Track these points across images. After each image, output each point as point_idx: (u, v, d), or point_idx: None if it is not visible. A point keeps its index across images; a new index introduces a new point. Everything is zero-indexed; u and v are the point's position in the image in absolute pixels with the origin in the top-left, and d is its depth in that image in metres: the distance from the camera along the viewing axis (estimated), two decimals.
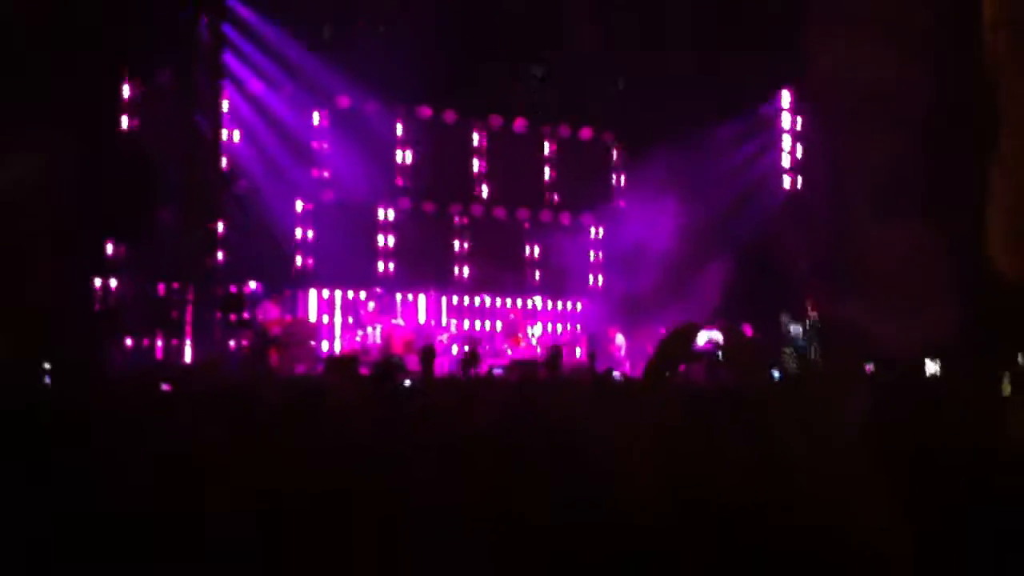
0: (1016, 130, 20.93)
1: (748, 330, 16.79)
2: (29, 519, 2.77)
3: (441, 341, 17.79)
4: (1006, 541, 2.59)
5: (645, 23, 17.98)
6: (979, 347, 16.47)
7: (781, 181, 20.22)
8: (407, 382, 12.08)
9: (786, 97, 20.21)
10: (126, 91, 15.26)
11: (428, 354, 13.48)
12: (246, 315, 15.00)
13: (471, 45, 17.84)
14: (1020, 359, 15.02)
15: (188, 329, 14.62)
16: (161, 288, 14.92)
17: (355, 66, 17.07)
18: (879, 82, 18.61)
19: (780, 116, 20.26)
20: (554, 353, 16.24)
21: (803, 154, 20.22)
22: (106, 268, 14.57)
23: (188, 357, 14.47)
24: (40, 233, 11.75)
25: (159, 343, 14.44)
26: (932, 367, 16.62)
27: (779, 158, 20.26)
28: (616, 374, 16.74)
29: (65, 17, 12.42)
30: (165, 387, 7.95)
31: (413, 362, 15.96)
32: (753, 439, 3.04)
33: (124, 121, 15.14)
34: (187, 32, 15.37)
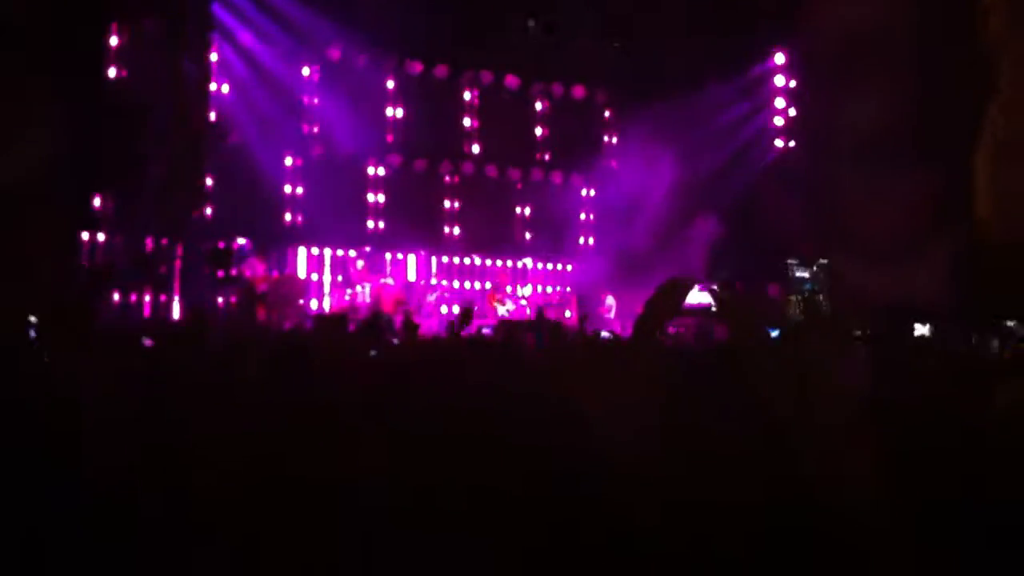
0: (1009, 81, 20.87)
1: (740, 288, 16.81)
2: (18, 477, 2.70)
3: (429, 301, 17.72)
4: (999, 506, 2.54)
5: None
6: (968, 307, 16.53)
7: (772, 141, 20.13)
8: (395, 341, 12.03)
9: (780, 57, 20.06)
10: (113, 41, 15.03)
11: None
12: (234, 271, 14.87)
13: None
14: (1009, 323, 15.06)
15: (176, 285, 14.50)
16: (149, 243, 14.76)
17: (347, 18, 16.80)
18: (870, 33, 18.51)
19: (773, 76, 20.12)
20: (539, 315, 16.21)
21: (796, 113, 20.12)
22: (93, 222, 14.43)
23: (176, 313, 14.36)
24: (26, 185, 11.60)
25: (147, 299, 14.32)
26: (922, 329, 16.65)
27: (771, 118, 20.16)
28: (605, 334, 16.73)
29: None
30: (147, 342, 7.85)
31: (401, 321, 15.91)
32: (744, 398, 2.98)
33: (112, 71, 14.92)
34: None
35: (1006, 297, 16.71)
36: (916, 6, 18.84)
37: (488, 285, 18.43)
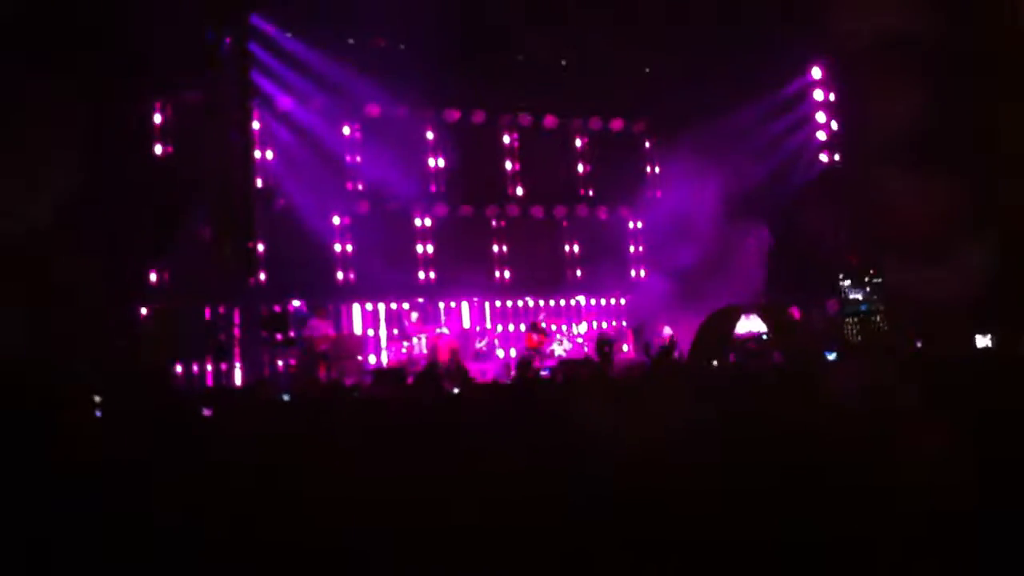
0: None
1: (796, 313, 16.62)
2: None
3: (481, 348, 17.72)
4: None
5: (669, 5, 17.69)
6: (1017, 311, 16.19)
7: (816, 156, 19.98)
8: (455, 390, 12.03)
9: (817, 71, 19.96)
10: (157, 118, 15.33)
11: (604, 344, 13.60)
12: (292, 333, 14.99)
13: (493, 43, 17.64)
14: None
15: (236, 351, 14.64)
16: (207, 312, 14.94)
17: (382, 73, 16.99)
18: (905, 37, 18.35)
19: (812, 91, 20.01)
20: (602, 345, 16.13)
21: (838, 127, 19.98)
22: (152, 294, 14.64)
23: (238, 380, 14.49)
24: (83, 264, 11.80)
25: (209, 367, 14.46)
26: (983, 341, 16.37)
27: (813, 133, 20.03)
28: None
29: (91, 43, 12.47)
30: (206, 412, 7.92)
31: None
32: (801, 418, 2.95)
33: (158, 148, 15.20)
34: (213, 53, 15.36)
35: None
36: (951, 8, 18.70)
37: (523, 327, 18.27)
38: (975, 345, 16.16)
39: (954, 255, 18.67)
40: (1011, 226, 19.26)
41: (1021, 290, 17.09)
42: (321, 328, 15.34)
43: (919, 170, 18.69)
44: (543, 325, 17.82)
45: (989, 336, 16.45)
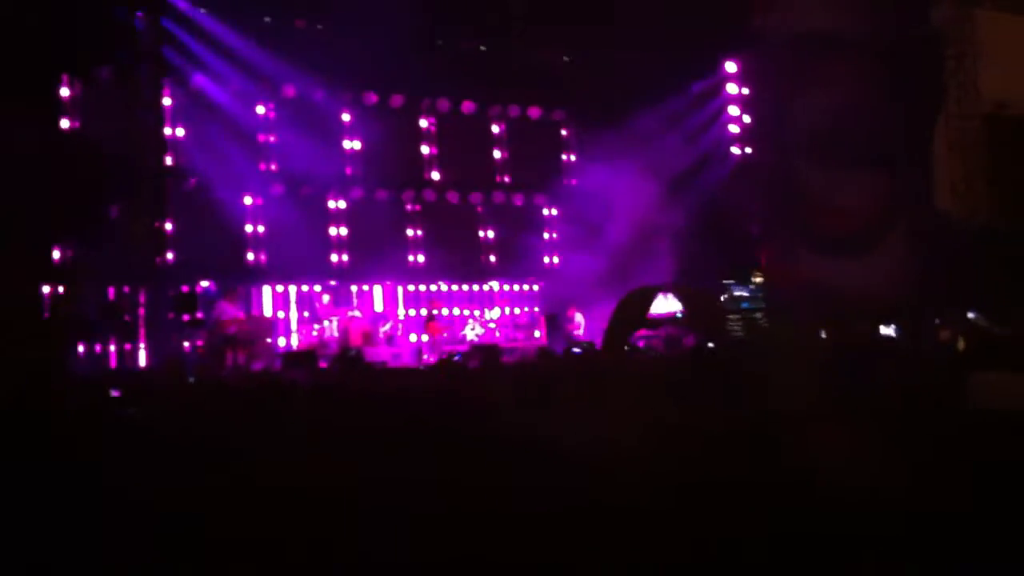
0: (961, 83, 21.21)
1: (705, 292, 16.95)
2: None
3: (386, 332, 17.70)
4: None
5: None
6: (930, 301, 16.72)
7: (730, 149, 20.34)
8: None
9: (731, 66, 20.29)
10: (65, 92, 14.98)
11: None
12: (200, 315, 14.80)
13: (415, 27, 17.55)
14: (970, 315, 15.23)
15: (142, 332, 14.40)
16: (112, 292, 14.67)
17: (299, 54, 16.81)
18: (826, 37, 18.75)
19: (726, 85, 20.34)
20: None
21: (751, 120, 20.34)
22: (55, 273, 14.32)
23: (143, 361, 14.27)
24: None
25: (112, 348, 14.21)
26: (887, 330, 16.84)
27: (726, 127, 20.38)
28: (576, 350, 16.81)
29: None
30: (115, 392, 7.85)
31: (373, 353, 15.90)
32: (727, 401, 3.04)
33: (65, 122, 14.86)
34: (125, 28, 15.06)
35: (966, 287, 16.94)
36: (868, 5, 19.14)
37: (423, 312, 18.29)
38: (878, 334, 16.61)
39: (867, 247, 19.19)
40: (920, 219, 19.89)
41: (932, 282, 17.66)
42: (230, 311, 15.17)
43: (831, 163, 19.16)
44: (436, 312, 17.84)
45: (893, 327, 16.92)
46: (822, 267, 18.86)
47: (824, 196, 19.26)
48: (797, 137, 19.34)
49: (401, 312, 18.52)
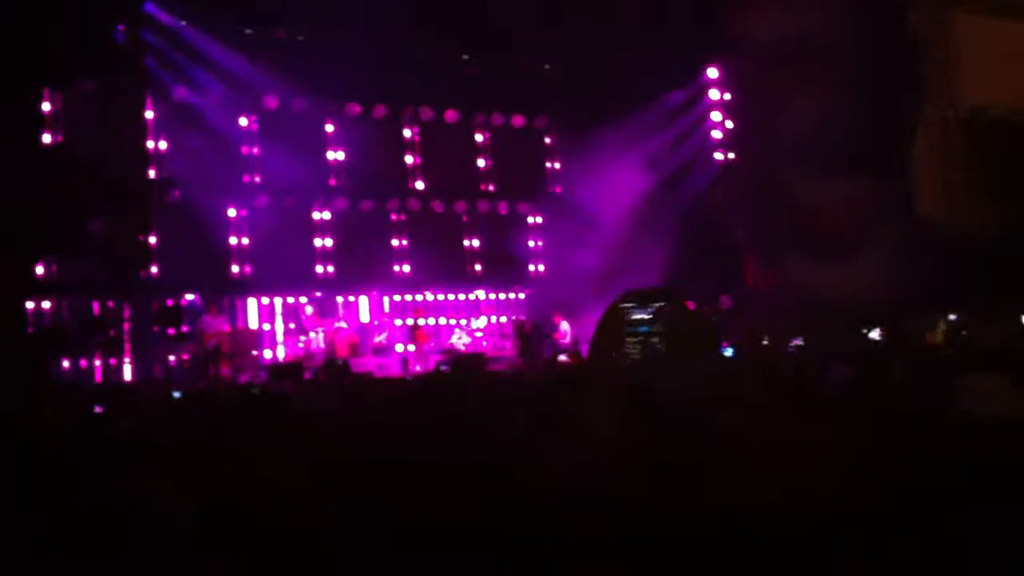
0: (940, 87, 21.34)
1: (691, 306, 16.98)
2: None
3: (381, 342, 17.69)
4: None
5: (570, 5, 17.87)
6: (914, 306, 16.83)
7: (713, 155, 20.43)
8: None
9: (713, 72, 20.38)
10: (46, 106, 14.94)
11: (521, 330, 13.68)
12: (185, 328, 14.74)
13: (396, 37, 17.56)
14: (952, 316, 15.31)
15: (127, 346, 14.34)
16: (96, 306, 14.60)
17: (281, 65, 16.81)
18: (805, 43, 18.87)
19: (708, 91, 20.43)
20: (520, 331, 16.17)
21: (734, 126, 20.44)
22: (39, 288, 14.26)
23: (128, 375, 14.20)
24: None
25: (97, 363, 14.13)
26: (873, 334, 16.92)
27: (710, 133, 20.47)
28: (562, 357, 16.83)
29: None
30: (98, 409, 7.80)
31: (359, 364, 15.88)
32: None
33: (47, 136, 14.81)
34: (106, 41, 15.02)
35: (949, 291, 17.06)
36: (846, 11, 19.26)
37: (410, 322, 18.25)
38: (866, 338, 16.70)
39: (849, 252, 19.30)
40: (902, 224, 20.01)
41: (915, 286, 17.78)
42: (214, 324, 15.11)
43: (812, 169, 19.26)
44: (421, 322, 17.83)
45: (878, 330, 17.00)
46: (806, 272, 18.98)
47: (806, 201, 19.39)
48: (778, 142, 19.47)
49: (398, 321, 18.49)
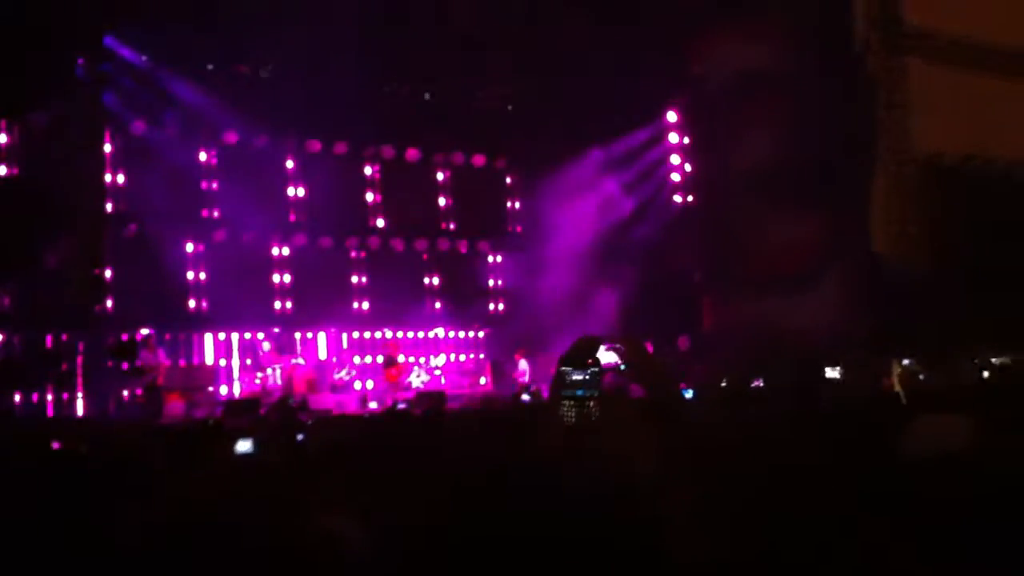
0: (895, 131, 21.73)
1: (649, 347, 17.05)
2: None
3: (341, 378, 17.57)
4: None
5: (529, 46, 18.02)
6: (866, 344, 16.99)
7: (672, 196, 20.62)
8: (308, 422, 11.89)
9: (672, 116, 20.62)
10: (2, 138, 14.80)
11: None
12: (139, 362, 14.55)
13: (358, 74, 17.59)
14: (906, 362, 15.44)
15: (79, 381, 14.12)
16: (49, 339, 14.39)
17: (241, 101, 16.77)
18: (763, 81, 19.17)
19: (668, 134, 20.66)
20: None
21: (692, 168, 20.66)
22: None
23: (80, 410, 13.97)
24: None
25: (49, 397, 13.90)
26: (832, 373, 17.01)
27: (669, 176, 20.67)
28: (525, 397, 16.78)
29: None
30: (55, 445, 7.66)
31: (317, 401, 15.75)
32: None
33: (2, 168, 14.67)
34: (64, 74, 14.92)
35: (900, 331, 17.27)
36: (799, 50, 19.61)
37: (380, 359, 18.18)
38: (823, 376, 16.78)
39: (803, 286, 19.50)
40: (856, 261, 20.27)
41: (867, 323, 17.96)
42: (150, 359, 14.82)
43: (767, 203, 19.49)
44: (398, 359, 17.76)
45: (839, 369, 17.10)
46: (761, 308, 19.15)
47: (760, 235, 19.62)
48: (736, 179, 19.71)
49: (357, 359, 18.39)
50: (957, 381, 12.55)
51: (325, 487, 3.55)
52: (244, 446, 5.03)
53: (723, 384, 16.17)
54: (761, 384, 15.03)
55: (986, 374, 14.40)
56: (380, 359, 18.04)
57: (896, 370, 16.02)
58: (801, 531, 2.53)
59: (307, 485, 3.66)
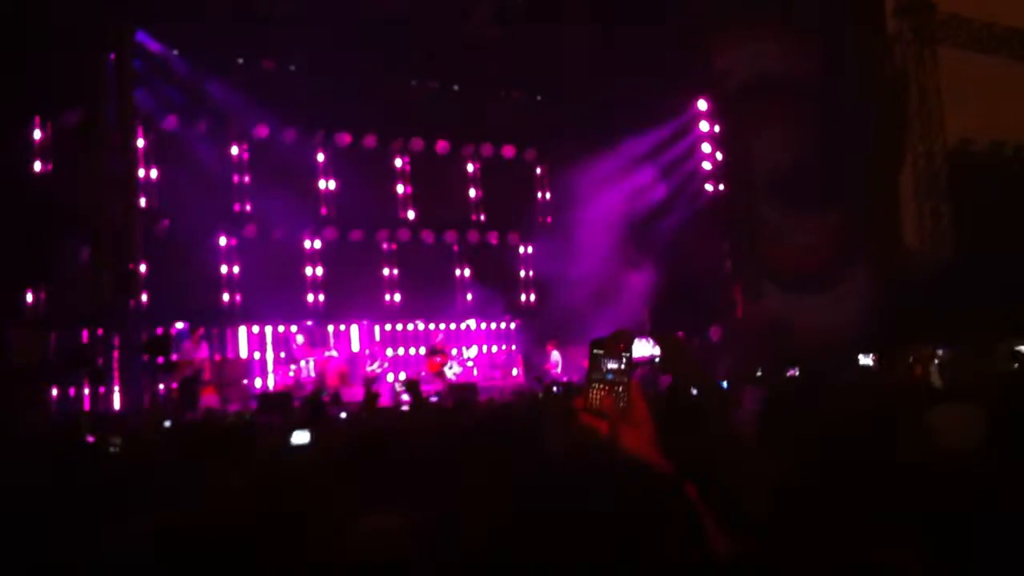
0: (925, 120, 21.52)
1: (681, 336, 16.97)
2: None
3: (373, 371, 17.61)
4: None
5: (558, 37, 17.96)
6: (897, 337, 16.87)
7: (702, 186, 20.50)
8: (342, 414, 11.94)
9: (703, 104, 20.49)
10: (36, 134, 14.92)
11: (413, 388, 13.52)
12: (174, 357, 14.66)
13: (387, 66, 17.61)
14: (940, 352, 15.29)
15: (115, 375, 14.24)
16: (85, 335, 14.52)
17: (271, 95, 16.84)
18: (790, 78, 19.03)
19: (698, 123, 20.53)
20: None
21: (722, 158, 20.54)
22: (26, 316, 14.17)
23: (117, 404, 14.09)
24: None
25: (86, 391, 14.02)
26: (865, 360, 16.88)
27: (699, 164, 20.55)
28: (555, 389, 16.75)
29: None
30: (89, 438, 7.75)
31: (350, 393, 15.79)
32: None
33: (37, 165, 14.78)
34: (95, 71, 15.01)
35: (933, 322, 17.11)
36: (827, 46, 19.44)
37: (423, 351, 18.23)
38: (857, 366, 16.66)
39: (828, 284, 19.37)
40: (885, 256, 20.09)
41: (897, 318, 17.81)
42: (193, 352, 14.99)
43: (792, 202, 19.37)
44: (442, 348, 17.81)
45: (871, 357, 16.97)
46: (787, 305, 19.05)
47: (785, 234, 19.51)
48: (760, 176, 19.60)
49: (389, 351, 18.45)
50: (994, 370, 12.42)
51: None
52: (301, 438, 5.03)
53: (758, 374, 16.09)
54: (796, 374, 14.97)
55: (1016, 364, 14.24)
56: (423, 350, 18.07)
57: (931, 359, 15.88)
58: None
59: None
